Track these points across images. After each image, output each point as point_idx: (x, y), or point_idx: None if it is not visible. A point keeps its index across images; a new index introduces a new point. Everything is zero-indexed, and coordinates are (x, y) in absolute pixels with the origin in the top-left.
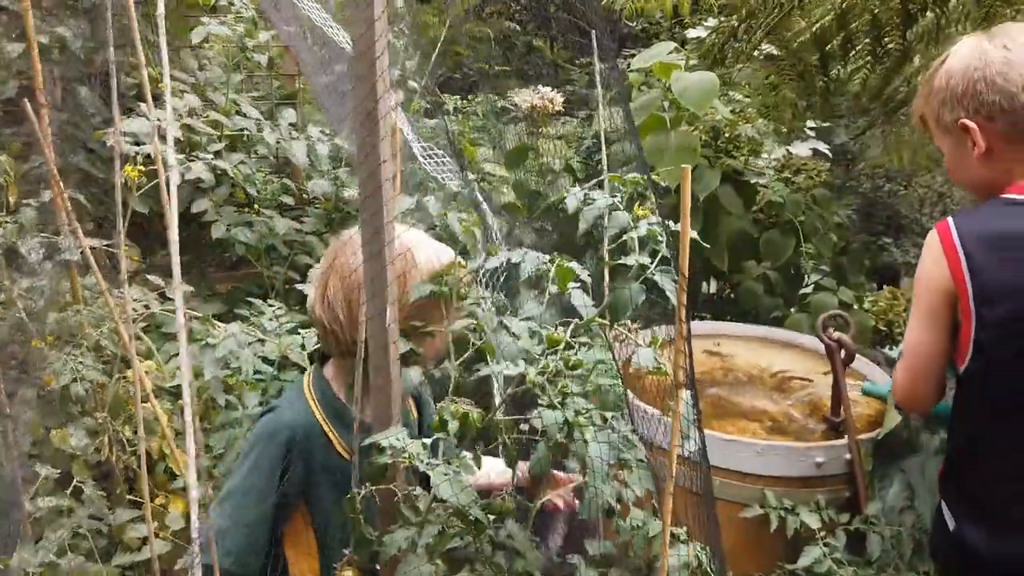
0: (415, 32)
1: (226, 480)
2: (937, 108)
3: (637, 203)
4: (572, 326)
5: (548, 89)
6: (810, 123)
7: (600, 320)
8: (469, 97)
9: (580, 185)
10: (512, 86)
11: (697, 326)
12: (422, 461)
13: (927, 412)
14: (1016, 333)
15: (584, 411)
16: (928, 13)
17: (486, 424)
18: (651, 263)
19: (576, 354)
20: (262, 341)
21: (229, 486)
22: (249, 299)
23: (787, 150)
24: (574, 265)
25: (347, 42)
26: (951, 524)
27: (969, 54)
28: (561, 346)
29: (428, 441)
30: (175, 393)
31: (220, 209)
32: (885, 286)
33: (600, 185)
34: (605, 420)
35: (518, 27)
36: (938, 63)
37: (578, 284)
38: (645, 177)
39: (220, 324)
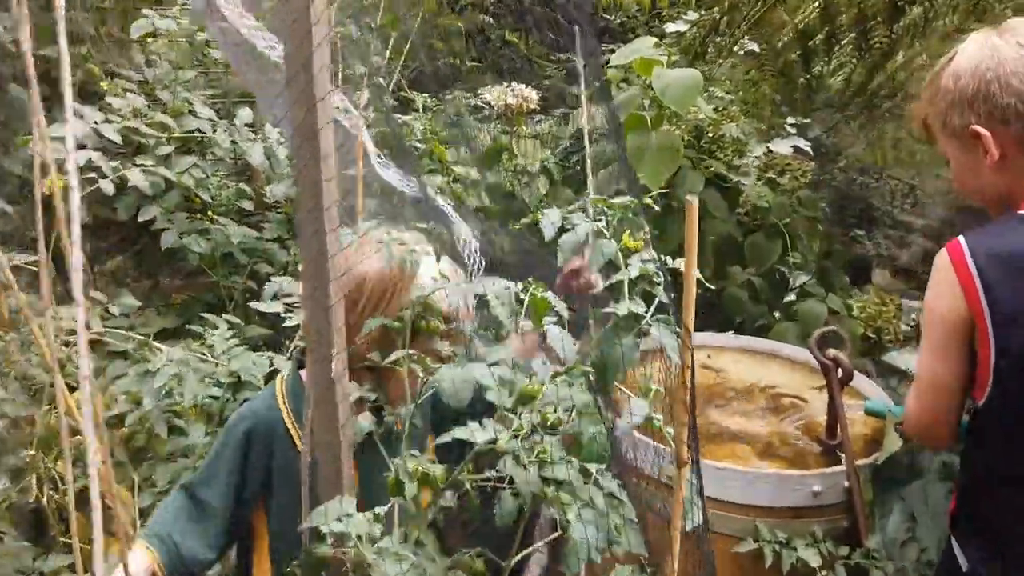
0: (389, 25)
1: None
2: (944, 111)
3: (627, 232)
4: (551, 375)
5: (523, 87)
6: (790, 119)
7: (583, 368)
8: (440, 95)
9: (557, 190)
10: (487, 81)
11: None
12: (372, 545)
13: (944, 447)
14: None
15: (567, 483)
16: (915, 7)
17: (451, 484)
18: (646, 310)
19: (556, 411)
20: (213, 362)
21: (190, 477)
22: (203, 314)
23: (768, 147)
24: (552, 295)
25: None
26: (964, 564)
27: (979, 52)
28: (537, 400)
29: (382, 511)
30: (115, 423)
31: (172, 216)
32: (872, 289)
33: (583, 205)
34: (588, 475)
35: (493, 21)
36: (944, 61)
37: (555, 318)
38: (635, 201)
39: (162, 348)
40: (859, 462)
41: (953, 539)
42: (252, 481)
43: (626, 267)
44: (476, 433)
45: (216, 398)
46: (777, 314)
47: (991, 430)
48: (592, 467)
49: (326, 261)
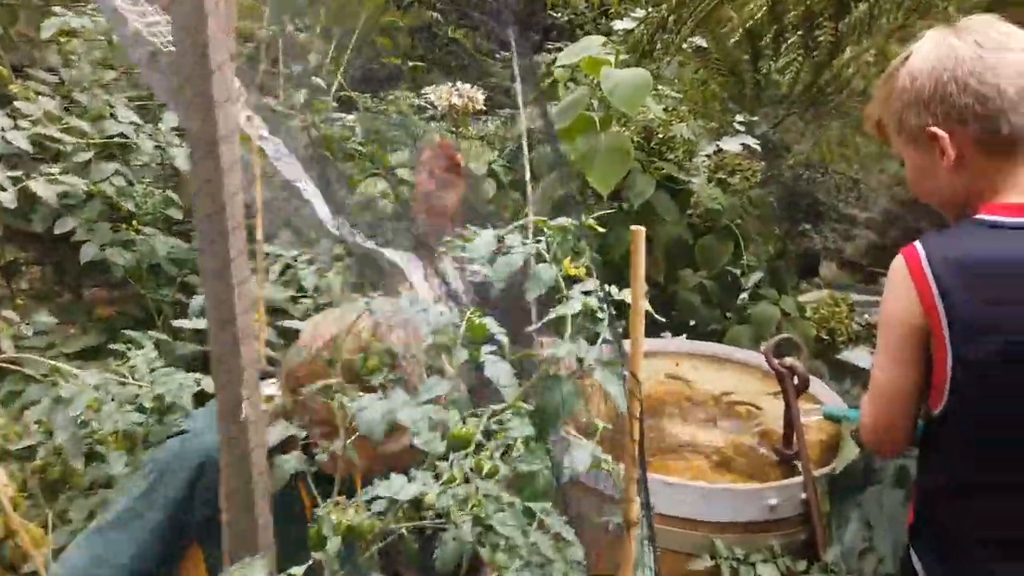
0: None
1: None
2: (900, 112)
3: (569, 258)
4: (487, 415)
5: (468, 86)
6: (739, 117)
7: (521, 404)
8: (380, 95)
9: (505, 193)
10: (434, 80)
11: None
12: None
13: (898, 454)
14: (1001, 373)
15: (507, 541)
16: (861, 4)
17: (380, 535)
18: (587, 348)
19: (493, 456)
20: (136, 384)
21: (108, 516)
22: (127, 331)
23: (717, 146)
24: (491, 321)
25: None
26: (921, 574)
27: (936, 52)
28: (471, 447)
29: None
30: (25, 457)
31: (93, 227)
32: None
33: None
34: (533, 516)
35: (440, 17)
36: (899, 61)
37: (494, 349)
38: (574, 224)
39: (76, 372)
40: (817, 472)
41: (912, 549)
42: (190, 527)
43: (567, 299)
44: (401, 490)
45: (140, 424)
46: (731, 316)
47: (948, 438)
48: (537, 507)
49: (232, 294)
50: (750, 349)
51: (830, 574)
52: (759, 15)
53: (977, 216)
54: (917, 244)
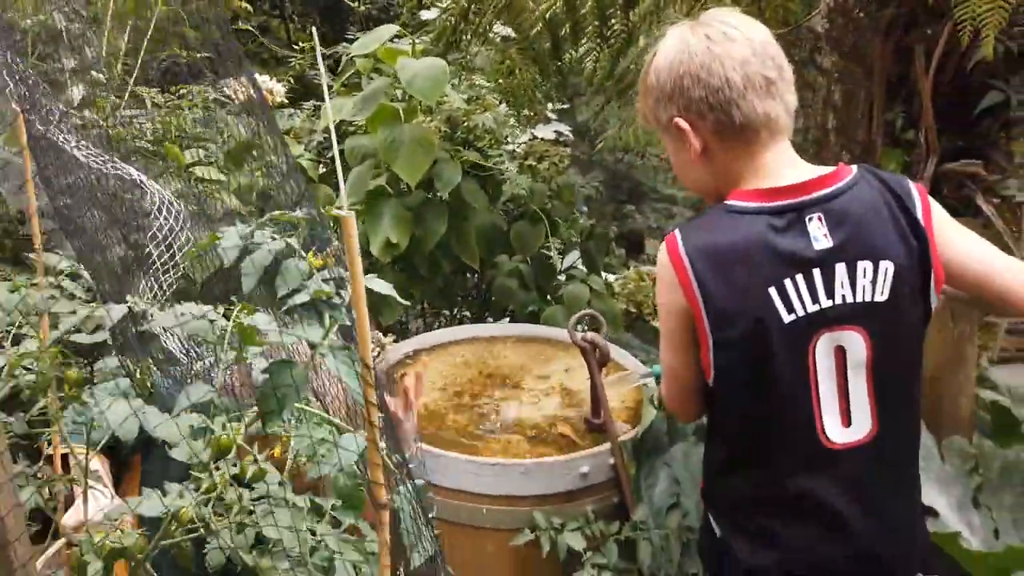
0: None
1: None
2: (653, 106)
3: (312, 251)
4: (252, 419)
5: (267, 78)
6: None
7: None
8: (172, 89)
9: (315, 187)
10: (245, 73)
11: (446, 332)
12: None
13: (695, 420)
14: (746, 353)
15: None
16: None
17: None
18: (319, 334)
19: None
20: None
21: None
22: None
23: (532, 134)
24: (259, 320)
25: None
26: (717, 531)
27: (674, 48)
28: (231, 452)
29: None
30: None
31: None
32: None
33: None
34: (323, 514)
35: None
36: (650, 58)
37: (262, 349)
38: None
39: None
40: (623, 438)
41: (707, 510)
42: None
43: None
44: (152, 506)
45: None
46: (550, 298)
47: (720, 412)
48: (328, 503)
49: None
50: (564, 327)
51: (638, 531)
52: (556, 5)
53: (724, 203)
54: (676, 232)
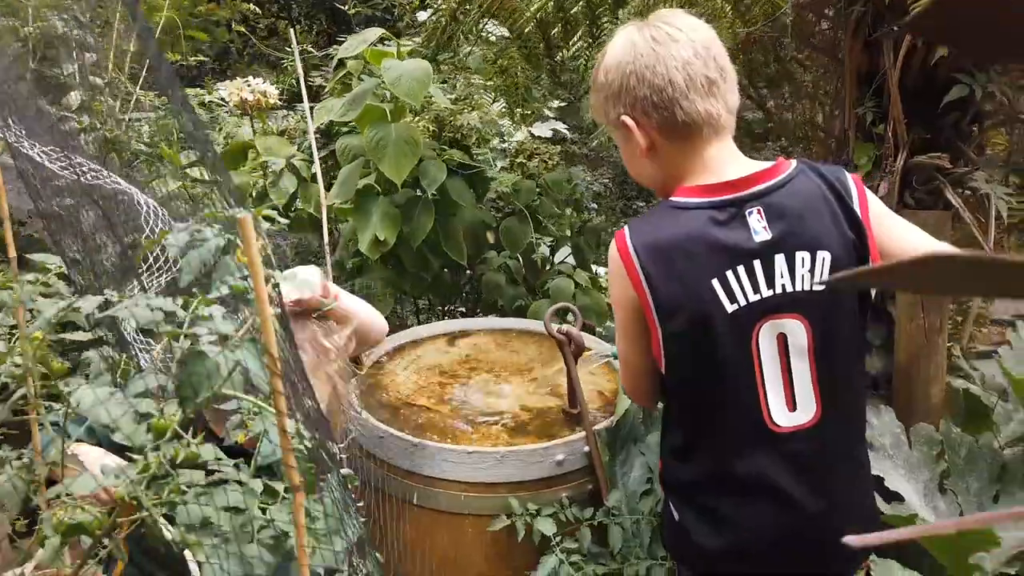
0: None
1: None
2: (603, 104)
3: (238, 249)
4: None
5: (260, 81)
6: (554, 103)
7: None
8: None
9: (307, 188)
10: (257, 74)
11: (440, 325)
12: None
13: (653, 407)
14: (693, 343)
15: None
16: None
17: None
18: (234, 326)
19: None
20: None
21: None
22: None
23: (530, 132)
24: (216, 311)
25: None
26: (676, 515)
27: (621, 47)
28: (167, 435)
29: None
30: None
31: None
32: None
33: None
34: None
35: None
36: (600, 56)
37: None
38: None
39: None
40: (599, 426)
41: (666, 495)
42: None
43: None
44: (84, 483)
45: None
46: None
47: (672, 400)
48: (280, 486)
49: None
50: None
51: (611, 516)
52: (547, 5)
53: (669, 199)
54: (626, 229)
